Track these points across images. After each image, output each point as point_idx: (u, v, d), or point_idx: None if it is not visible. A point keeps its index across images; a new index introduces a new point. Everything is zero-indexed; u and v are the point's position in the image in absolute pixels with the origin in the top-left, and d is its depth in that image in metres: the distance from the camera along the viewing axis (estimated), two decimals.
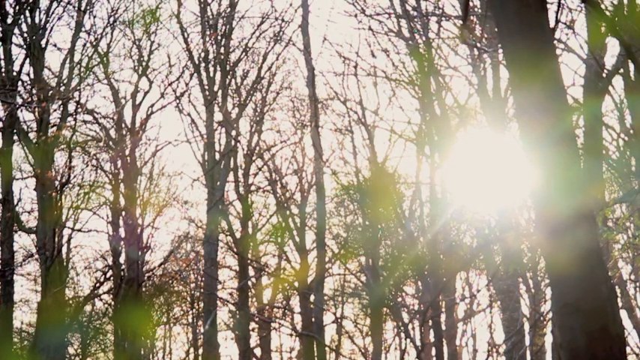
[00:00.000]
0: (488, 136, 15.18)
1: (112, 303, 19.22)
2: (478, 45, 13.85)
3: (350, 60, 16.01)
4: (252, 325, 22.52)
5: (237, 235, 21.02)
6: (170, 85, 19.97)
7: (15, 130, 17.59)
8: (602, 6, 10.37)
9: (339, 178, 17.87)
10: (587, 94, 11.86)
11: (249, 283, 21.67)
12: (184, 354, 26.63)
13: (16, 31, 18.05)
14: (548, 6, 4.87)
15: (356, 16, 15.46)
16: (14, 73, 17.72)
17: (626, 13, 10.87)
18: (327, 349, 21.33)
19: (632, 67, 11.88)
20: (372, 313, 20.58)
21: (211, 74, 20.45)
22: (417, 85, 15.38)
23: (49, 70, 19.11)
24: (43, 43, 18.05)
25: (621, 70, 12.30)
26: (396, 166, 19.45)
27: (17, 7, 17.98)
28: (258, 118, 21.66)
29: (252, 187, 21.86)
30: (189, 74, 20.28)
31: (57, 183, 17.44)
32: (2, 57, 17.79)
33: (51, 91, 17.67)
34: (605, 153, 13.98)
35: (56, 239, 17.66)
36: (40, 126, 17.58)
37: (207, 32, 20.25)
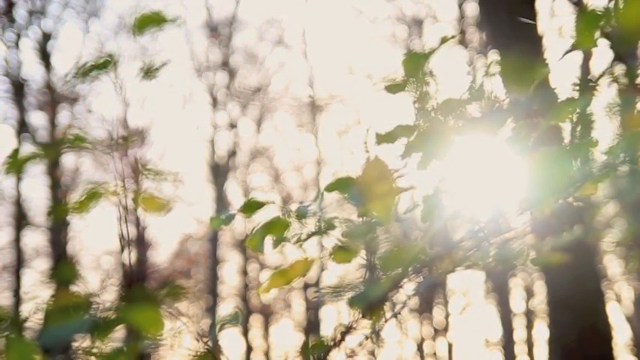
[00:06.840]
0: (482, 136, 15.66)
1: (119, 299, 19.63)
2: (472, 47, 14.35)
3: (348, 63, 16.54)
4: (254, 319, 22.95)
5: (240, 233, 21.50)
6: (174, 87, 20.49)
7: (25, 132, 18.12)
8: (591, 8, 10.83)
9: (337, 178, 18.30)
10: (578, 94, 12.36)
11: (250, 279, 22.15)
12: (187, 349, 27.00)
13: (26, 36, 18.57)
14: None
15: (354, 20, 16.00)
16: (24, 77, 18.25)
17: (614, 15, 11.36)
18: (326, 343, 21.77)
19: (621, 68, 12.37)
20: (370, 309, 21.02)
21: (215, 77, 21.02)
22: (411, 90, 15.87)
23: (58, 73, 19.59)
24: (51, 47, 18.58)
25: (611, 71, 12.80)
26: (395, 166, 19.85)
27: (28, 13, 18.50)
28: (259, 120, 22.17)
29: (254, 186, 22.33)
30: (193, 77, 20.85)
31: (65, 182, 17.95)
32: (13, 61, 18.31)
33: (59, 95, 18.21)
34: (596, 153, 14.44)
35: (64, 237, 18.13)
36: (49, 128, 18.13)
37: (211, 36, 20.79)
